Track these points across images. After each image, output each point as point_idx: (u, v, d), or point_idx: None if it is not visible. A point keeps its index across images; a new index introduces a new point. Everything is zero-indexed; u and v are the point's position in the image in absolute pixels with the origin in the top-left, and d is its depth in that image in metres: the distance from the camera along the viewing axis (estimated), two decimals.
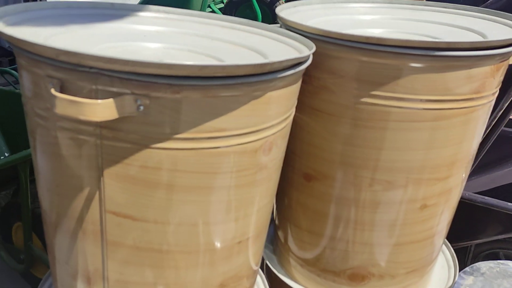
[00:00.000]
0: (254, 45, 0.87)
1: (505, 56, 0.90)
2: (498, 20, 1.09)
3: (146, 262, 0.76)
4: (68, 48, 0.58)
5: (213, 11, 2.99)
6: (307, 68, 0.87)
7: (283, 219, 1.17)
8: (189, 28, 0.97)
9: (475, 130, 0.95)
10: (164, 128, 0.65)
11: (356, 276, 1.07)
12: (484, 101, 0.92)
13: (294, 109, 0.85)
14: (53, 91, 0.61)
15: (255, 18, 3.08)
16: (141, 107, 0.63)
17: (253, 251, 0.89)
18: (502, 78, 0.96)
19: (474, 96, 0.89)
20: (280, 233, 1.20)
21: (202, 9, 2.40)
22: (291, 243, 1.15)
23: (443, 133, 0.91)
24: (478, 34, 1.00)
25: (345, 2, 1.24)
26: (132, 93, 0.63)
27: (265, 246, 1.28)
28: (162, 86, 0.63)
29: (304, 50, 0.83)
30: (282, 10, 1.07)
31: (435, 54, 0.82)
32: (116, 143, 0.67)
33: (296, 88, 0.80)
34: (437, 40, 0.85)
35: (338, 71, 0.90)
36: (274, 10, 3.14)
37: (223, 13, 3.11)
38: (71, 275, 0.82)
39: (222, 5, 3.24)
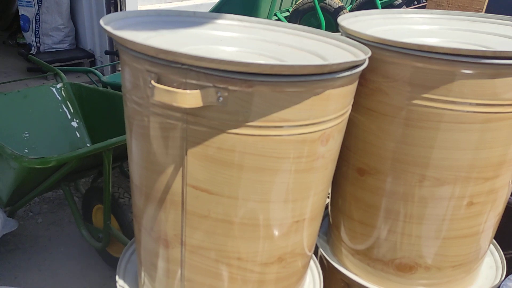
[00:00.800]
0: (316, 49, 0.98)
1: None
2: None
3: (218, 231, 0.89)
4: (166, 47, 0.73)
5: (279, 19, 3.13)
6: (364, 72, 0.98)
7: (337, 210, 1.27)
8: (259, 35, 1.11)
9: None
10: (238, 116, 0.78)
11: (404, 266, 1.14)
12: None
13: (350, 107, 0.95)
14: (153, 82, 0.76)
15: (319, 27, 3.19)
16: (221, 98, 0.77)
17: (308, 233, 0.99)
18: None
19: None
20: (333, 224, 1.30)
21: (268, 17, 2.55)
22: (344, 234, 1.25)
23: (490, 135, 0.98)
24: None
25: (404, 13, 1.32)
26: (214, 86, 0.76)
27: (320, 237, 1.39)
28: (238, 81, 0.76)
29: (360, 54, 0.94)
30: (344, 20, 1.18)
31: (482, 62, 0.90)
32: (198, 127, 0.81)
33: (352, 88, 0.91)
34: (484, 49, 0.92)
35: (393, 75, 0.99)
36: (337, 19, 3.22)
37: (289, 21, 3.24)
38: (154, 239, 0.97)
39: (287, 14, 3.38)
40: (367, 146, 1.10)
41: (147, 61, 0.80)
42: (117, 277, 1.15)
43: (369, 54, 0.89)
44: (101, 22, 0.85)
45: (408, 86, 0.98)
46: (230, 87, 0.76)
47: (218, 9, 2.67)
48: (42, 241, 2.20)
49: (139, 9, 3.81)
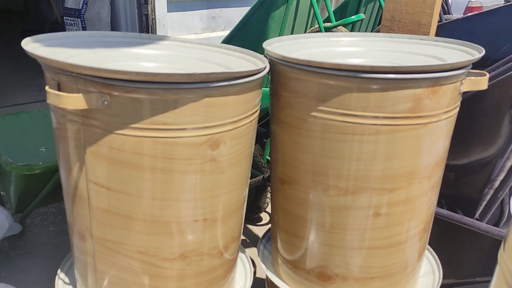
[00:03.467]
0: (221, 61, 1.09)
1: (436, 82, 0.97)
2: (459, 48, 1.15)
3: (118, 224, 0.98)
4: (55, 58, 0.86)
5: None
6: (276, 86, 1.06)
7: (272, 220, 1.32)
8: (179, 51, 1.22)
9: (419, 147, 1.02)
10: (122, 118, 0.89)
11: (323, 275, 1.17)
12: (422, 121, 0.99)
13: (246, 116, 1.02)
14: (46, 87, 0.89)
15: None
16: (105, 102, 0.88)
17: (213, 234, 1.06)
18: (450, 101, 1.02)
19: (409, 115, 0.98)
20: (272, 234, 1.35)
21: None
22: (276, 242, 1.29)
23: (383, 147, 1.01)
24: (437, 59, 1.08)
25: (340, 36, 1.37)
26: (99, 92, 0.88)
27: (265, 247, 1.43)
28: (118, 87, 0.86)
29: (259, 63, 1.02)
30: (270, 44, 1.23)
31: (361, 76, 0.95)
32: (91, 128, 0.92)
33: (235, 99, 0.97)
34: (361, 64, 0.97)
35: (296, 90, 1.06)
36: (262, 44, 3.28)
37: None
38: (74, 233, 1.08)
39: None
40: (284, 157, 1.15)
41: (51, 71, 0.93)
42: (58, 270, 1.26)
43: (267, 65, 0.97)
44: (23, 43, 0.99)
45: (310, 100, 1.04)
46: (113, 93, 0.87)
47: (229, 40, 2.80)
48: (49, 248, 2.39)
49: None
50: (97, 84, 0.87)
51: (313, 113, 1.04)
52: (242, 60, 1.12)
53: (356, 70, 0.95)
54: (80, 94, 0.87)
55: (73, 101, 0.86)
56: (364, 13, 3.58)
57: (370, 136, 1.00)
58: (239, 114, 0.99)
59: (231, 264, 1.18)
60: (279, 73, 1.09)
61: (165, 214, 0.98)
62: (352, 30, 3.36)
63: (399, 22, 1.48)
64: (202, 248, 1.05)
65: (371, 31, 4.05)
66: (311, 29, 3.33)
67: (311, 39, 1.35)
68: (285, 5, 2.85)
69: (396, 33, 1.51)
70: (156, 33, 4.01)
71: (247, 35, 2.77)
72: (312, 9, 3.49)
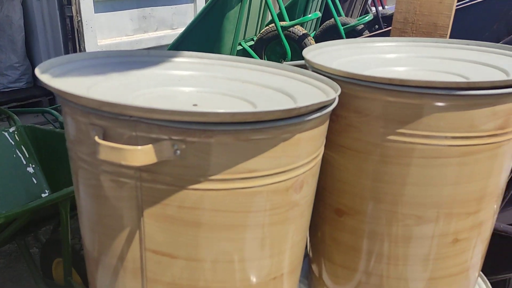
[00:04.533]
0: (282, 87, 0.91)
1: None
2: (498, 52, 1.10)
3: None
4: (110, 100, 0.64)
5: (243, 49, 3.07)
6: (335, 107, 0.90)
7: (317, 254, 1.17)
8: (220, 72, 1.03)
9: (502, 165, 0.95)
10: (199, 170, 0.69)
11: None
12: (510, 136, 0.92)
13: (322, 148, 0.87)
14: (96, 138, 0.66)
15: (284, 55, 3.16)
16: (178, 151, 0.68)
17: (288, 287, 0.90)
18: None
19: (499, 132, 0.90)
20: (314, 268, 1.21)
21: (232, 48, 2.47)
22: (326, 278, 1.16)
23: (469, 168, 0.92)
24: (501, 71, 1.01)
25: (369, 42, 1.27)
26: (169, 139, 0.67)
27: (300, 281, 1.29)
28: (196, 131, 0.67)
29: (330, 92, 0.86)
30: (308, 52, 1.11)
31: (457, 94, 0.84)
32: (154, 185, 0.71)
33: (323, 128, 0.83)
34: (457, 80, 0.87)
35: (364, 110, 0.92)
36: (302, 46, 3.20)
37: (253, 50, 3.18)
38: None
39: (252, 43, 3.34)
40: (343, 185, 1.02)
41: (91, 114, 0.70)
42: None
43: (339, 91, 0.82)
44: (37, 71, 0.75)
45: (381, 121, 0.92)
46: (188, 139, 0.67)
47: (180, 42, 2.58)
48: None
49: (98, 43, 3.69)
50: (166, 129, 0.66)
51: (389, 137, 0.92)
52: (303, 83, 0.95)
53: (451, 87, 0.84)
54: (150, 146, 0.65)
55: (142, 155, 0.65)
56: (312, 11, 3.54)
57: (454, 159, 0.90)
58: (318, 147, 0.84)
59: None
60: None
61: (245, 277, 0.79)
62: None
63: (412, 24, 1.40)
64: None
65: (315, 29, 4.03)
66: (265, 28, 3.21)
67: (345, 45, 1.22)
68: (239, 4, 2.69)
69: (410, 35, 1.43)
70: (83, 37, 3.61)
71: (200, 37, 2.57)
72: (262, 8, 3.36)
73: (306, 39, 3.05)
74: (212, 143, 0.68)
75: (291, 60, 3.11)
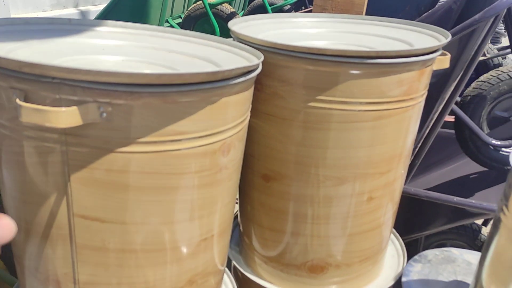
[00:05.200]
0: (208, 55, 0.93)
1: (427, 62, 1.00)
2: (425, 32, 1.20)
3: (115, 262, 0.79)
4: (31, 60, 0.62)
5: (171, 26, 3.02)
6: (260, 77, 0.94)
7: (246, 220, 1.22)
8: (146, 42, 1.02)
9: (409, 128, 1.05)
10: (126, 133, 0.70)
11: (316, 267, 1.13)
12: (414, 102, 1.02)
13: (248, 114, 0.91)
14: (18, 100, 0.65)
15: (213, 33, 3.15)
16: (104, 114, 0.68)
17: (219, 248, 0.93)
18: (428, 81, 1.06)
19: (405, 98, 0.99)
20: (244, 233, 1.26)
21: (160, 24, 2.43)
22: (255, 242, 1.21)
23: (381, 131, 1.01)
24: (407, 43, 1.10)
25: (293, 17, 1.32)
26: (95, 101, 0.67)
27: (231, 248, 1.33)
28: (122, 94, 0.67)
29: (253, 59, 0.90)
30: (234, 25, 1.14)
31: (367, 62, 0.91)
32: (81, 148, 0.70)
33: (249, 94, 0.86)
34: (368, 49, 0.94)
35: (287, 79, 0.97)
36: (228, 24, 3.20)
37: (181, 28, 3.14)
38: (41, 282, 0.84)
39: (180, 20, 3.29)
40: (269, 152, 1.07)
41: (11, 76, 0.68)
42: None
43: (262, 58, 0.86)
44: None
45: (302, 89, 0.97)
46: (114, 101, 0.68)
47: (103, 18, 2.48)
48: None
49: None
50: (91, 91, 0.66)
51: (310, 103, 0.97)
52: (228, 53, 0.98)
53: (362, 56, 0.91)
54: (75, 107, 0.65)
55: (67, 117, 0.64)
56: None
57: (368, 123, 0.98)
58: (244, 112, 0.87)
59: (222, 276, 1.06)
60: (264, 61, 0.98)
61: (175, 239, 0.82)
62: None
63: (332, 1, 1.47)
64: (208, 268, 0.92)
65: (243, 8, 4.04)
66: (193, 5, 3.17)
67: (272, 20, 1.26)
68: None
69: (329, 12, 1.50)
70: None
71: (124, 13, 2.48)
72: None
73: (234, 18, 3.07)
74: (139, 105, 0.69)
75: None
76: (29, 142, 0.72)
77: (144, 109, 0.69)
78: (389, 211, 1.15)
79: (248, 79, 0.80)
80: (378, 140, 1.01)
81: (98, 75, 0.63)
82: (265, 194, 1.11)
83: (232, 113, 0.81)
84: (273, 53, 0.97)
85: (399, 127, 1.02)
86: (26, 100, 0.68)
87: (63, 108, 0.64)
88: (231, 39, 1.07)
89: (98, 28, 1.04)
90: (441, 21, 1.85)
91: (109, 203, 0.74)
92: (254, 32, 1.12)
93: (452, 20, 1.90)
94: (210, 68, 0.85)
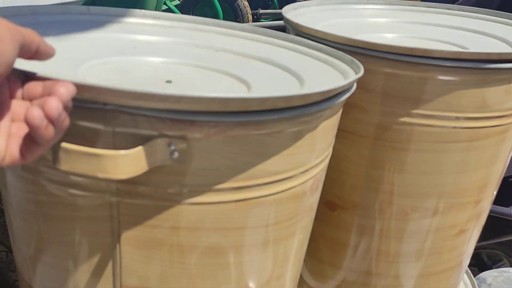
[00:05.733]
0: (286, 62, 0.72)
1: None
2: (506, 22, 1.02)
3: None
4: (78, 80, 0.41)
5: (169, 9, 2.74)
6: None
7: None
8: (184, 37, 0.81)
9: (508, 149, 0.87)
10: (204, 177, 0.49)
11: None
12: None
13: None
14: (65, 145, 0.43)
15: (215, 16, 2.89)
16: (176, 153, 0.47)
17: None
18: None
19: (508, 113, 0.80)
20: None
21: (158, 7, 2.17)
22: (312, 281, 1.02)
23: (477, 153, 0.82)
24: (504, 42, 0.92)
25: (344, 3, 1.12)
26: (164, 136, 0.46)
27: None
28: (204, 124, 0.46)
29: (340, 65, 0.69)
30: (288, 12, 0.94)
31: (465, 66, 0.73)
32: (138, 200, 0.50)
33: (336, 120, 0.66)
34: (462, 50, 0.76)
35: (367, 84, 0.78)
36: (235, 8, 2.97)
37: (180, 10, 2.87)
38: None
39: (178, 2, 3.01)
40: (338, 175, 0.87)
41: None
42: None
43: (362, 70, 0.65)
44: None
45: (380, 98, 0.79)
46: (192, 135, 0.47)
47: (91, 3, 2.14)
48: None
49: None
50: (161, 122, 0.45)
51: (391, 117, 0.78)
52: (298, 55, 0.77)
53: (459, 58, 0.72)
54: (140, 149, 0.44)
55: (129, 163, 0.43)
56: None
57: (481, 141, 0.80)
58: (334, 137, 0.67)
59: None
60: None
61: None
62: None
63: None
64: None
65: None
66: None
67: (318, 7, 1.05)
68: None
69: None
70: None
71: None
72: None
73: (239, 0, 2.82)
74: (222, 139, 0.48)
75: None
76: (61, 190, 0.50)
77: (229, 144, 0.49)
78: (472, 245, 0.97)
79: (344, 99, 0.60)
80: (472, 165, 0.83)
81: (181, 102, 0.42)
82: (329, 225, 0.92)
83: (325, 141, 0.61)
84: (351, 52, 0.77)
85: (499, 148, 0.84)
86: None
87: (122, 152, 0.43)
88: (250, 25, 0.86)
89: (124, 19, 0.82)
90: (481, 5, 1.66)
91: (171, 270, 0.54)
92: (308, 22, 0.91)
93: (495, 4, 1.72)
94: (315, 88, 0.62)
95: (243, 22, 2.85)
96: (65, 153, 0.42)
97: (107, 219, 0.51)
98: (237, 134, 0.48)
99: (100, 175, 0.42)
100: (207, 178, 0.49)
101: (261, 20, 2.96)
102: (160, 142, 0.46)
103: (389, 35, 0.98)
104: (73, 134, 0.46)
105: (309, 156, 0.57)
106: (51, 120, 0.36)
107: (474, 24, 1.03)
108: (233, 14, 2.78)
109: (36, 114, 0.35)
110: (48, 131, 0.36)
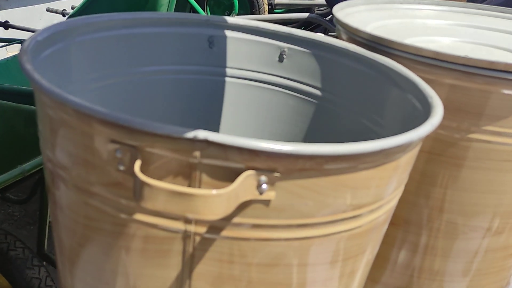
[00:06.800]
0: None
1: None
2: None
3: None
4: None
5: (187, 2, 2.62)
6: None
7: None
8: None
9: None
10: (293, 212, 0.45)
11: None
12: None
13: None
14: (137, 171, 0.38)
15: (231, 7, 2.80)
16: (264, 186, 0.42)
17: None
18: None
19: None
20: None
21: (169, 8, 2.04)
22: None
23: None
24: None
25: (390, 3, 1.05)
26: (254, 169, 0.41)
27: None
28: (300, 158, 0.41)
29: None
30: (337, 12, 0.88)
31: None
32: (215, 235, 0.45)
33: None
34: None
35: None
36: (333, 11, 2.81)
37: (197, 2, 2.77)
38: None
39: None
40: None
41: (114, 124, 0.41)
42: None
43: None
44: None
45: (448, 113, 0.73)
46: (283, 168, 0.42)
47: (85, 8, 1.94)
48: None
49: None
50: (255, 155, 0.40)
51: (462, 134, 0.74)
52: None
53: None
54: (234, 188, 0.39)
55: (221, 203, 0.38)
56: None
57: None
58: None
59: None
60: None
61: None
62: None
63: None
64: None
65: None
66: None
67: (365, 7, 0.99)
68: None
69: None
70: None
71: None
72: None
73: None
74: (320, 173, 0.43)
75: (238, 14, 2.78)
76: (131, 222, 0.45)
77: (322, 179, 0.44)
78: None
79: None
80: None
81: None
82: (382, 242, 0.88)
83: (409, 169, 0.56)
84: (413, 61, 0.72)
85: None
86: (132, 160, 0.41)
87: (215, 191, 0.38)
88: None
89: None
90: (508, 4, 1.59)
91: None
92: (356, 22, 0.86)
93: None
94: None
95: (259, 13, 2.75)
96: (151, 190, 0.37)
97: (178, 253, 0.46)
98: (333, 168, 0.43)
99: (190, 216, 0.37)
100: (294, 213, 0.45)
101: (275, 11, 2.86)
102: (251, 177, 0.41)
103: (444, 40, 0.92)
104: (147, 160, 0.41)
105: (394, 185, 0.52)
106: None
107: None
108: (249, 5, 2.69)
109: None
110: None
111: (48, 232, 1.26)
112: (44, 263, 1.19)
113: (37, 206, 1.30)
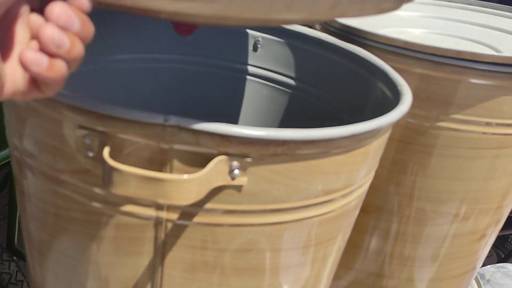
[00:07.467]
0: None
1: None
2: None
3: None
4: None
5: None
6: None
7: None
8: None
9: None
10: (264, 198, 0.45)
11: None
12: None
13: None
14: (106, 155, 0.38)
15: None
16: (236, 172, 0.42)
17: None
18: None
19: None
20: None
21: None
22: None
23: (505, 161, 0.80)
24: None
25: None
26: (226, 154, 0.41)
27: None
28: (271, 143, 0.42)
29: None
30: None
31: (503, 71, 0.70)
32: (186, 221, 0.45)
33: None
34: (497, 54, 0.73)
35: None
36: None
37: None
38: None
39: None
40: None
41: (81, 110, 0.40)
42: None
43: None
44: None
45: (418, 102, 0.75)
46: (255, 153, 0.42)
47: None
48: None
49: None
50: (228, 140, 0.40)
51: (431, 122, 0.76)
52: None
53: (498, 63, 0.69)
54: (205, 172, 0.39)
55: (191, 188, 0.38)
56: None
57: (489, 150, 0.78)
58: None
59: None
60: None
61: None
62: None
63: None
64: None
65: None
66: None
67: None
68: None
69: None
70: None
71: None
72: None
73: None
74: (292, 158, 0.44)
75: None
76: (100, 209, 0.45)
77: (295, 163, 0.44)
78: (487, 250, 0.96)
79: None
80: (499, 172, 0.81)
81: None
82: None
83: (377, 157, 0.57)
84: (384, 50, 0.74)
85: None
86: (101, 146, 0.41)
87: (186, 176, 0.37)
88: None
89: None
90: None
91: None
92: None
93: None
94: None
95: None
96: (120, 175, 0.37)
97: (149, 240, 0.46)
98: (305, 153, 0.43)
99: (161, 201, 0.37)
100: (266, 198, 0.45)
101: None
102: (221, 162, 0.41)
103: (414, 31, 0.94)
104: (117, 146, 0.40)
105: (365, 171, 0.53)
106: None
107: (496, 21, 1.00)
108: None
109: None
110: (75, 49, 0.29)
111: (18, 226, 1.24)
112: (15, 258, 1.16)
113: (7, 201, 1.27)
